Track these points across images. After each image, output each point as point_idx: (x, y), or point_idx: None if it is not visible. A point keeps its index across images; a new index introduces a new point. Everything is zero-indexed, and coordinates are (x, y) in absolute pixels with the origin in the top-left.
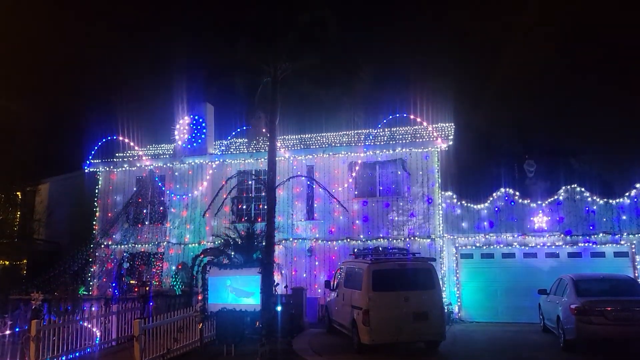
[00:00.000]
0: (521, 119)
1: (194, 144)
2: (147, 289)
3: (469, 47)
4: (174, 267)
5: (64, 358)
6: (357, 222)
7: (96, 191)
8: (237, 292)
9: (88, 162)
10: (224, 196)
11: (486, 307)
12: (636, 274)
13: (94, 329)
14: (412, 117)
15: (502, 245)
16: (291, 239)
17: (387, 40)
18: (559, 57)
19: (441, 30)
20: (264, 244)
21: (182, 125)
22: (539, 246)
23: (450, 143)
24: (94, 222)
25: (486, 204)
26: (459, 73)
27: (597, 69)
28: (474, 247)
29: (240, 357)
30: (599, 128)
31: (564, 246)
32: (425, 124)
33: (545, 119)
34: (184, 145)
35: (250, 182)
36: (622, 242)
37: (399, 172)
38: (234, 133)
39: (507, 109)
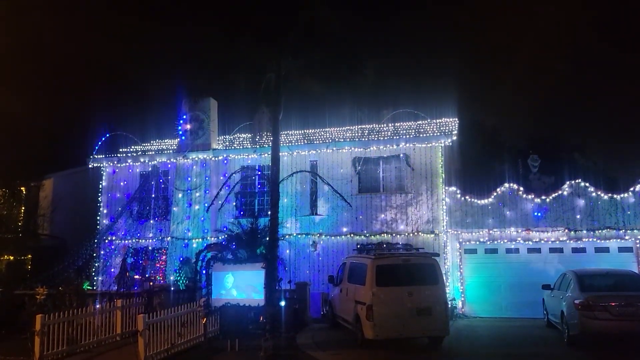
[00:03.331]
0: (526, 114)
1: (198, 139)
2: (150, 283)
3: (474, 43)
4: (177, 262)
5: None
6: (360, 217)
7: (100, 186)
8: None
9: (92, 157)
10: (228, 191)
11: (490, 302)
12: None
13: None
14: (415, 112)
15: (506, 241)
16: (295, 234)
17: (390, 36)
18: (564, 52)
19: (446, 25)
20: (267, 239)
21: (186, 121)
22: (543, 241)
23: (454, 138)
24: (98, 217)
25: (490, 199)
26: (464, 69)
27: (601, 65)
28: (477, 243)
29: (243, 352)
30: (603, 123)
31: (568, 241)
32: (429, 119)
33: (550, 114)
34: (187, 140)
35: (253, 178)
36: (627, 238)
37: (403, 168)
38: (237, 128)
39: (511, 104)
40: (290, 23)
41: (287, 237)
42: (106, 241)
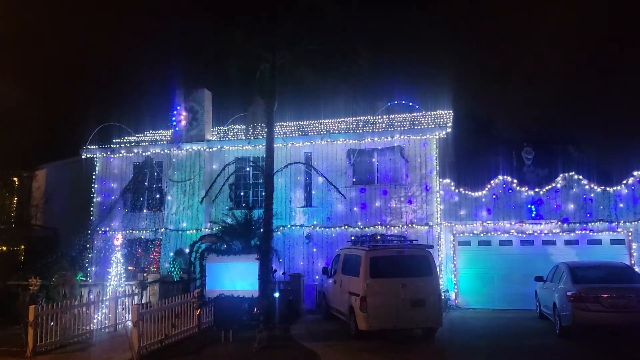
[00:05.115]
0: (520, 107)
1: (192, 130)
2: (144, 274)
3: (467, 35)
4: (171, 254)
5: None
6: (355, 209)
7: (93, 177)
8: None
9: (85, 148)
10: (222, 183)
11: (483, 294)
12: (632, 262)
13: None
14: (410, 104)
15: (499, 233)
16: (289, 226)
17: (386, 26)
18: (558, 44)
19: (440, 16)
20: (261, 230)
21: (180, 111)
22: (536, 234)
23: (449, 130)
24: (92, 208)
25: (484, 192)
26: (458, 60)
27: (596, 58)
28: (471, 235)
29: (237, 343)
30: (597, 116)
31: (561, 234)
32: (423, 111)
33: (544, 106)
34: (181, 131)
35: (248, 169)
36: (619, 230)
37: (397, 160)
38: (231, 120)
39: (505, 97)
40: (286, 12)
41: (281, 228)
42: (99, 232)
